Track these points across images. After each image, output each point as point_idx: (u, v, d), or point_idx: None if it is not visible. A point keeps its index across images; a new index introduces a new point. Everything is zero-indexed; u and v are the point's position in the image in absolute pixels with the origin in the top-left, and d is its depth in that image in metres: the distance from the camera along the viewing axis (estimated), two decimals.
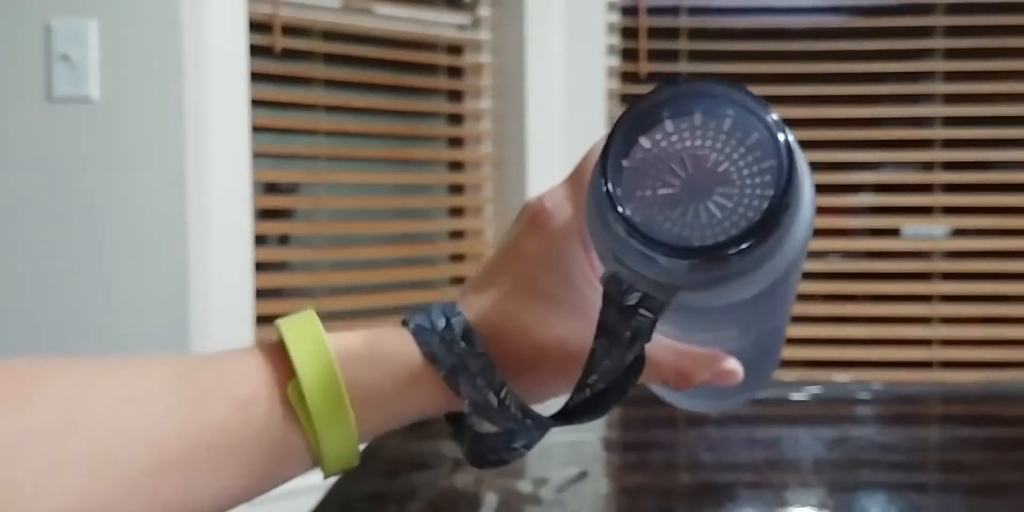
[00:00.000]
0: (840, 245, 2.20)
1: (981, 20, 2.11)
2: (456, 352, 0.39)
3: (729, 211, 0.33)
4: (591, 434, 0.99)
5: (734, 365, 0.44)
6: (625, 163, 0.35)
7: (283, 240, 1.91)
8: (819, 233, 2.13)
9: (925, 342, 2.13)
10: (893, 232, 2.18)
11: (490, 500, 0.78)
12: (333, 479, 0.86)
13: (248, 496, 0.39)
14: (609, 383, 0.38)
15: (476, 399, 0.39)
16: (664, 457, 0.89)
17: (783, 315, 0.45)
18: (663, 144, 0.35)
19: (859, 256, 2.20)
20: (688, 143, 0.34)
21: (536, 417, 0.40)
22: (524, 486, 0.81)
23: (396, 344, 0.40)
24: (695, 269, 0.34)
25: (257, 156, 1.67)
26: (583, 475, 0.85)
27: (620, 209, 0.34)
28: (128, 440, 0.35)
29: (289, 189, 1.92)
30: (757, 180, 0.34)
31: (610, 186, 0.34)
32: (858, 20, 2.17)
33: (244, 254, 1.64)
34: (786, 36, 2.14)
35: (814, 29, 2.15)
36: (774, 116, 0.34)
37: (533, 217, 0.41)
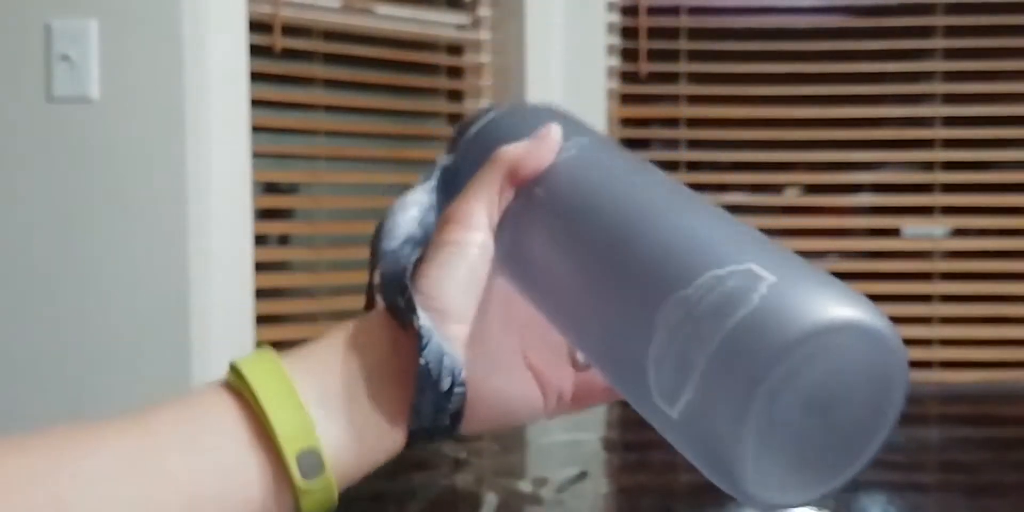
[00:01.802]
0: (840, 245, 2.20)
1: (981, 20, 2.11)
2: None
3: None
4: (591, 434, 0.99)
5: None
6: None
7: (283, 240, 1.91)
8: (819, 233, 2.14)
9: (925, 342, 2.13)
10: (893, 232, 2.18)
11: (490, 500, 0.78)
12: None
13: None
14: None
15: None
16: (664, 457, 0.89)
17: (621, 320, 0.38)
18: None
19: (859, 256, 2.19)
20: None
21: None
22: (524, 486, 0.81)
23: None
24: None
25: (257, 156, 1.67)
26: (583, 475, 0.85)
27: None
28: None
29: (289, 189, 1.92)
30: None
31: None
32: (858, 20, 2.17)
33: (244, 254, 1.64)
34: (786, 36, 2.14)
35: (814, 29, 2.15)
36: None
37: None
